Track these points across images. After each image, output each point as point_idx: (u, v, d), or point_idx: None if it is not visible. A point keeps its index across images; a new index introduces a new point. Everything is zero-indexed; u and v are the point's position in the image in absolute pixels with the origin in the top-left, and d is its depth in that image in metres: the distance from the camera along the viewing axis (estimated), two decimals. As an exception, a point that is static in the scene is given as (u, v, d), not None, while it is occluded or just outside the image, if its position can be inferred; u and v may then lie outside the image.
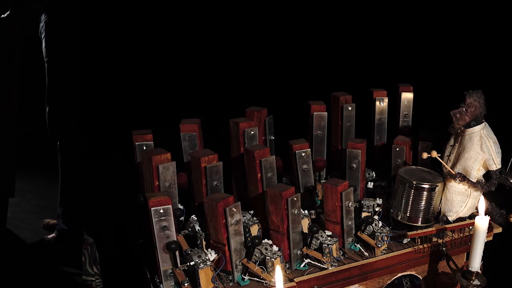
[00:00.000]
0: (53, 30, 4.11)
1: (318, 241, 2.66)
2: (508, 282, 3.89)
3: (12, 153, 4.46)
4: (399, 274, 2.83)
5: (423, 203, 2.82)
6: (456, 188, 2.83)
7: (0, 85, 4.27)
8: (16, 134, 4.43)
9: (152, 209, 2.35)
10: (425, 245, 2.83)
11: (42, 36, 4.16)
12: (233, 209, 2.45)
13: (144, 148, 2.86)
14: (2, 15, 4.02)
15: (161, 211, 2.36)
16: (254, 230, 2.66)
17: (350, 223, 2.75)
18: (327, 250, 2.62)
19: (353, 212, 2.76)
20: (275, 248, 2.55)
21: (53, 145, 4.36)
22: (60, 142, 4.34)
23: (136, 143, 2.89)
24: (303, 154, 2.93)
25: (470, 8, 5.35)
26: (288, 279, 2.56)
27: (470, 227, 2.89)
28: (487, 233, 2.59)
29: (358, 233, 2.79)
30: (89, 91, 4.35)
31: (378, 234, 2.74)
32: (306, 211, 2.76)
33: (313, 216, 2.97)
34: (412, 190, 2.81)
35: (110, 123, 4.73)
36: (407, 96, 3.32)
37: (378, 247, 2.73)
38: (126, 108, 4.98)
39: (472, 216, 2.89)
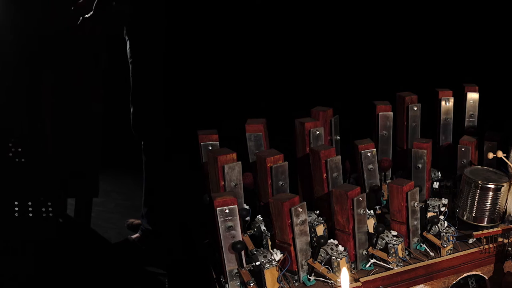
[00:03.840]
0: (138, 31, 4.08)
1: (384, 241, 2.59)
2: None
3: (96, 154, 4.47)
4: (465, 274, 2.75)
5: (488, 203, 2.74)
6: (522, 188, 2.73)
7: (85, 86, 4.29)
8: (100, 134, 4.43)
9: (217, 209, 2.31)
10: (491, 245, 2.74)
11: (127, 37, 4.13)
12: (299, 209, 2.40)
13: (210, 148, 2.82)
14: (86, 16, 4.02)
15: (227, 211, 2.32)
16: (320, 230, 2.60)
17: (415, 223, 2.68)
18: (392, 250, 2.56)
19: (419, 212, 2.69)
20: (340, 248, 2.49)
21: (138, 145, 4.33)
22: (145, 142, 4.30)
23: (201, 143, 2.84)
24: (368, 154, 2.87)
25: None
26: (353, 279, 2.50)
27: (537, 227, 2.79)
28: (553, 233, 2.50)
29: (424, 233, 2.72)
30: (172, 92, 4.32)
31: (444, 234, 2.67)
32: (371, 211, 2.70)
33: (378, 212, 2.90)
34: (478, 190, 2.73)
35: (178, 122, 4.70)
36: (472, 96, 3.24)
37: (444, 247, 2.66)
38: (193, 107, 4.95)
39: (539, 216, 2.79)
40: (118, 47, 4.23)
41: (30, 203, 4.20)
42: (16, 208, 4.18)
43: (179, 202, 3.92)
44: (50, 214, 4.22)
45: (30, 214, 4.19)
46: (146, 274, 4.12)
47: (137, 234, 4.48)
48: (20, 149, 4.22)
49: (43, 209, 4.22)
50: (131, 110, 4.20)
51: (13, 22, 4.13)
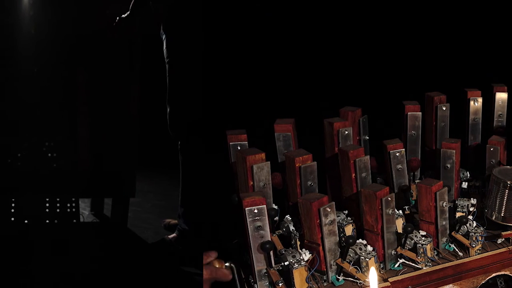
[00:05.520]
0: (174, 31, 4.03)
1: (413, 241, 2.55)
2: None
3: (133, 154, 4.43)
4: (494, 274, 2.70)
5: (517, 203, 2.68)
6: (551, 188, 2.69)
7: (121, 85, 4.26)
8: (136, 135, 4.40)
9: (246, 209, 2.29)
10: (520, 245, 2.70)
11: (163, 37, 4.09)
12: (328, 209, 2.36)
13: (239, 148, 2.79)
14: (122, 15, 4.00)
15: (256, 211, 2.30)
16: (349, 230, 2.57)
17: (444, 223, 2.64)
18: (421, 250, 2.52)
19: (448, 212, 2.64)
20: (369, 248, 2.45)
21: (174, 145, 4.29)
22: (181, 142, 4.25)
23: (230, 143, 2.82)
24: (397, 154, 2.83)
25: None
26: (382, 279, 2.47)
27: None
28: None
29: (453, 233, 2.67)
30: (209, 91, 4.26)
31: (473, 234, 2.63)
32: (400, 211, 2.66)
33: (407, 212, 2.85)
34: (507, 190, 2.68)
35: (215, 122, 4.66)
36: (501, 96, 3.21)
37: (473, 247, 2.61)
38: (227, 107, 4.91)
39: None
40: (155, 47, 4.20)
41: (58, 204, 4.21)
42: (47, 206, 4.19)
43: (211, 202, 3.88)
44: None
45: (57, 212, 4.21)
46: (183, 274, 4.08)
47: (174, 234, 4.41)
48: (52, 143, 4.23)
49: (68, 210, 4.23)
50: (168, 110, 4.15)
51: (50, 22, 4.13)
